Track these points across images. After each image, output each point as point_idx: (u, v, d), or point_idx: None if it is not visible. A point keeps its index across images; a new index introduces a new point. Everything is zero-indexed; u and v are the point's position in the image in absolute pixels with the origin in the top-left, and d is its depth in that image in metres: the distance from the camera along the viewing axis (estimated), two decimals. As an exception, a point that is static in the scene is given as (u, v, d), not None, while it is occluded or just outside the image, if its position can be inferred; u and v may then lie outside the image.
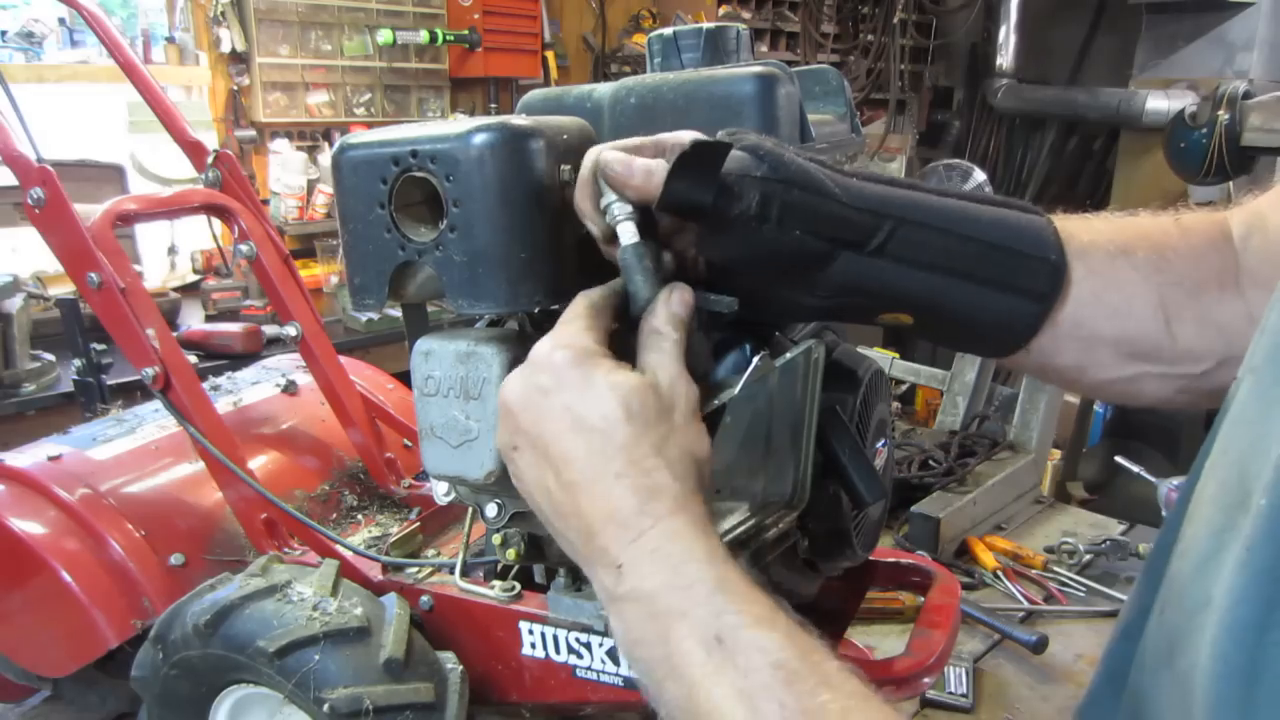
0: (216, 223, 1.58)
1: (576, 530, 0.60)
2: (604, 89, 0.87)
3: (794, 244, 0.65)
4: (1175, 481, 1.60)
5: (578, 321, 0.64)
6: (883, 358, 2.83)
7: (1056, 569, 1.79)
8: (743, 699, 0.51)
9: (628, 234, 0.66)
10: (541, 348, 0.63)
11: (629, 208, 0.66)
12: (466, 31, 3.81)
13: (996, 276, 0.67)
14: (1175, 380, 0.68)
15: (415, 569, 1.24)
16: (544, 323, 0.81)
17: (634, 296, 0.66)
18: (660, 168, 0.66)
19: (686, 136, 0.69)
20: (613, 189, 0.67)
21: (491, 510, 0.81)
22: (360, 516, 1.53)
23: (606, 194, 0.67)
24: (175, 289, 3.26)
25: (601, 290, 0.67)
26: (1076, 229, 0.69)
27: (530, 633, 1.09)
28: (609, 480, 0.59)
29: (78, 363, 2.05)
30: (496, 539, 0.89)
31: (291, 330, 1.49)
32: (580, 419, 0.60)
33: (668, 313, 0.64)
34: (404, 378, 1.59)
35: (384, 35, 3.63)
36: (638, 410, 0.60)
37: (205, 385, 1.50)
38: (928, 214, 0.67)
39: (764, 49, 5.14)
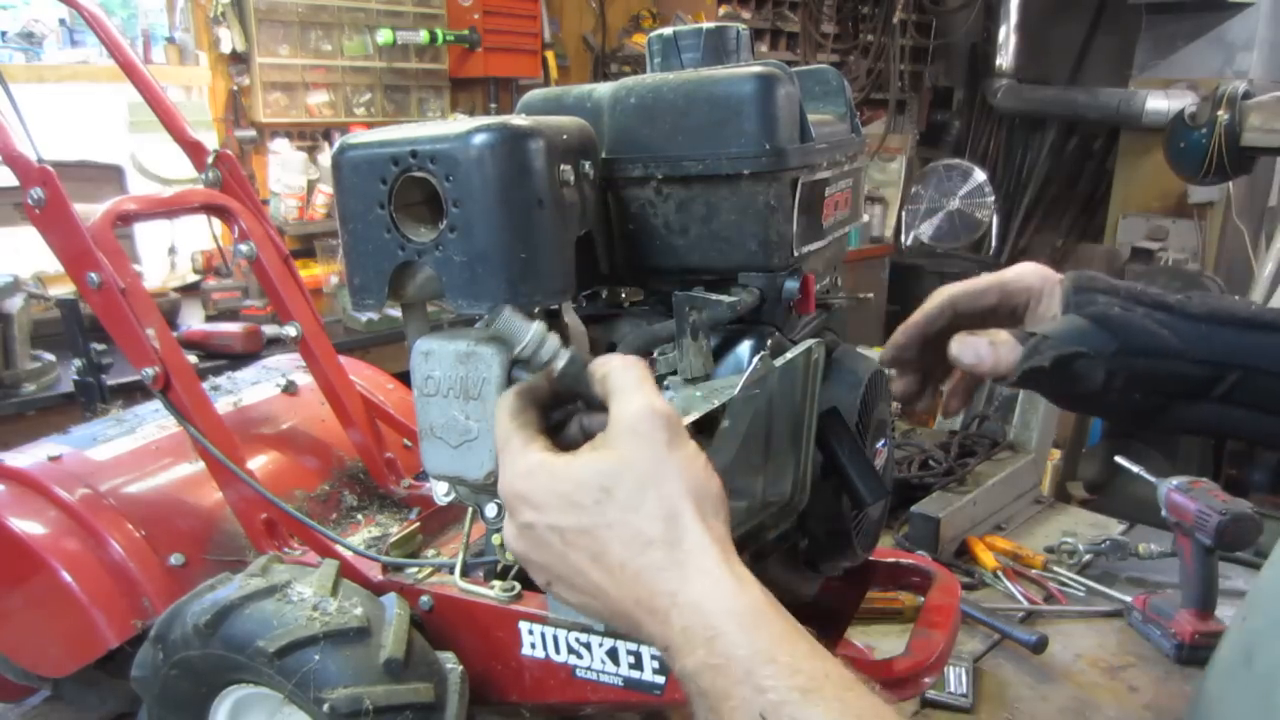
0: (216, 223, 1.58)
1: (631, 627, 0.59)
2: (604, 89, 0.87)
3: (1133, 403, 0.67)
4: (1175, 481, 1.60)
5: (511, 440, 0.63)
6: (883, 358, 2.82)
7: (1056, 569, 1.79)
8: None
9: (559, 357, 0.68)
10: (503, 489, 0.62)
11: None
12: (466, 31, 3.81)
13: None
14: None
15: (415, 569, 1.24)
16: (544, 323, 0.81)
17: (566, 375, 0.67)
18: (1006, 345, 0.68)
19: (1032, 279, 0.71)
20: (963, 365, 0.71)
21: (491, 510, 0.81)
22: (360, 516, 1.53)
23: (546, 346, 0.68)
24: (175, 289, 3.27)
25: (513, 393, 0.66)
26: None
27: (530, 633, 1.09)
28: (617, 571, 0.57)
29: (78, 363, 2.05)
30: (496, 539, 0.89)
31: (291, 330, 1.49)
32: (563, 531, 0.59)
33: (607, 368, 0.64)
34: (404, 378, 1.59)
35: (384, 35, 3.63)
36: (601, 483, 0.58)
37: (205, 385, 1.50)
38: (1275, 362, 0.66)
39: (764, 49, 5.14)
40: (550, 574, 0.61)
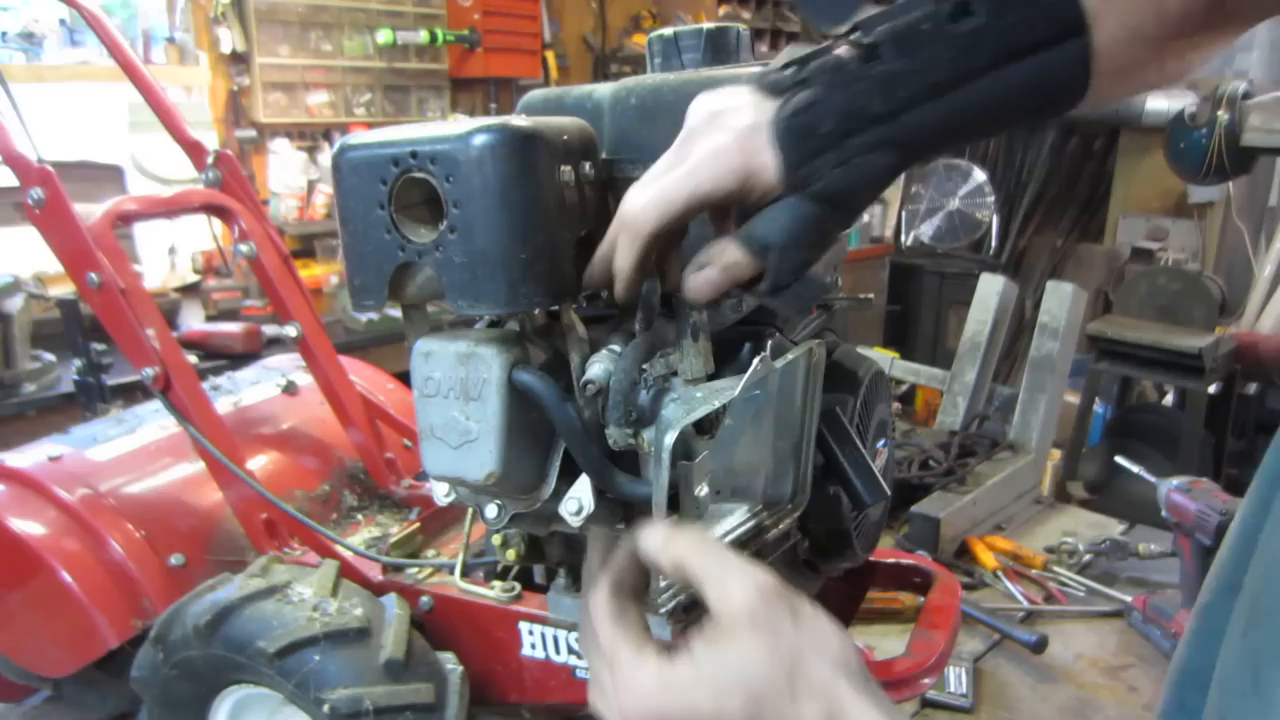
0: (216, 223, 1.58)
1: None
2: (604, 89, 0.87)
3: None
4: (1175, 481, 1.59)
5: (619, 654, 0.58)
6: (883, 358, 2.83)
7: (1056, 569, 1.79)
8: None
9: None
10: (627, 714, 0.57)
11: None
12: (466, 31, 3.81)
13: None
14: None
15: (415, 569, 1.24)
16: (544, 325, 0.81)
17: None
18: (738, 265, 0.62)
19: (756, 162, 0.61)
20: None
21: (491, 511, 0.81)
22: (360, 516, 1.53)
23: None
24: (175, 289, 3.27)
25: (607, 594, 0.61)
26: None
27: (530, 633, 1.09)
28: None
29: (78, 363, 2.05)
30: (496, 539, 0.89)
31: (291, 330, 1.49)
32: None
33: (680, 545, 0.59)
34: (404, 378, 1.59)
35: (384, 35, 3.63)
36: (744, 687, 0.54)
37: (205, 385, 1.50)
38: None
39: (764, 49, 5.14)
40: None
